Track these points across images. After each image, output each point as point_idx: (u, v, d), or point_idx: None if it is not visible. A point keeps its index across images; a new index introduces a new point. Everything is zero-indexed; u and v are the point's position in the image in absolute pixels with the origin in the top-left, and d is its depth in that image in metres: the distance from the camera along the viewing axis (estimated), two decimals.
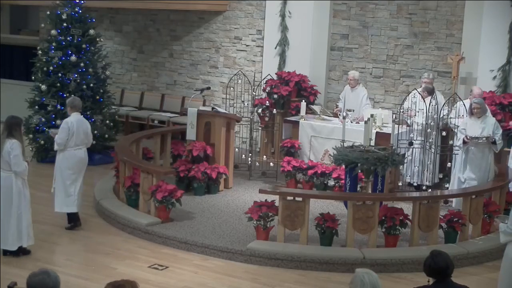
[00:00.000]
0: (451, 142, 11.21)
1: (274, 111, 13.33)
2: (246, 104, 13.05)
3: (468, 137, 10.48)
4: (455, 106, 11.42)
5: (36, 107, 13.68)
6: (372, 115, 10.72)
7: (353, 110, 12.28)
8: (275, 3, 14.29)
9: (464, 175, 10.67)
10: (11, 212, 8.95)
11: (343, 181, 10.84)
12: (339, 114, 12.30)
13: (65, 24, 13.74)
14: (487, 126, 10.53)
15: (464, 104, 10.94)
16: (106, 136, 13.95)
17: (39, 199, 10.85)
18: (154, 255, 9.32)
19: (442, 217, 9.63)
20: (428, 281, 5.64)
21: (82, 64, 13.67)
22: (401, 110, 11.37)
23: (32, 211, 9.25)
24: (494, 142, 10.49)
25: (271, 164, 12.79)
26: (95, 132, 13.64)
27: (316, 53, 14.12)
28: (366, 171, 9.93)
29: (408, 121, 11.84)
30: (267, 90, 13.63)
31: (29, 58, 15.15)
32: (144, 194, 10.40)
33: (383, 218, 9.37)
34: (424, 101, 11.30)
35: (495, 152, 10.75)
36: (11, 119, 9.11)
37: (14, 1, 17.40)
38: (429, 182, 11.40)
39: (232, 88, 12.94)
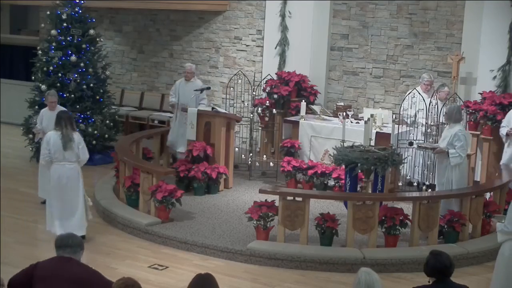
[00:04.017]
0: None
1: (274, 111, 13.33)
2: (246, 104, 13.05)
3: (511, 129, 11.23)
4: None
5: (36, 107, 13.66)
6: (372, 115, 10.73)
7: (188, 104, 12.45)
8: (275, 3, 14.28)
9: None
10: (79, 200, 9.46)
11: (343, 181, 10.84)
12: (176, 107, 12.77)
13: (65, 24, 13.73)
14: None
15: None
16: (106, 136, 13.93)
17: (39, 199, 10.89)
18: (154, 255, 9.32)
19: (442, 217, 9.64)
20: (429, 281, 5.64)
21: (82, 64, 13.67)
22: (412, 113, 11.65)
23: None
24: None
25: (271, 164, 12.79)
26: (95, 132, 13.66)
27: (316, 53, 14.10)
28: (366, 171, 9.93)
29: (408, 121, 11.87)
30: (267, 90, 13.63)
31: (29, 58, 15.15)
32: (144, 194, 10.40)
33: (383, 218, 9.37)
34: (437, 102, 11.38)
35: None
36: (66, 113, 9.59)
37: (14, 1, 17.39)
38: (429, 181, 11.42)
39: (232, 88, 12.94)
